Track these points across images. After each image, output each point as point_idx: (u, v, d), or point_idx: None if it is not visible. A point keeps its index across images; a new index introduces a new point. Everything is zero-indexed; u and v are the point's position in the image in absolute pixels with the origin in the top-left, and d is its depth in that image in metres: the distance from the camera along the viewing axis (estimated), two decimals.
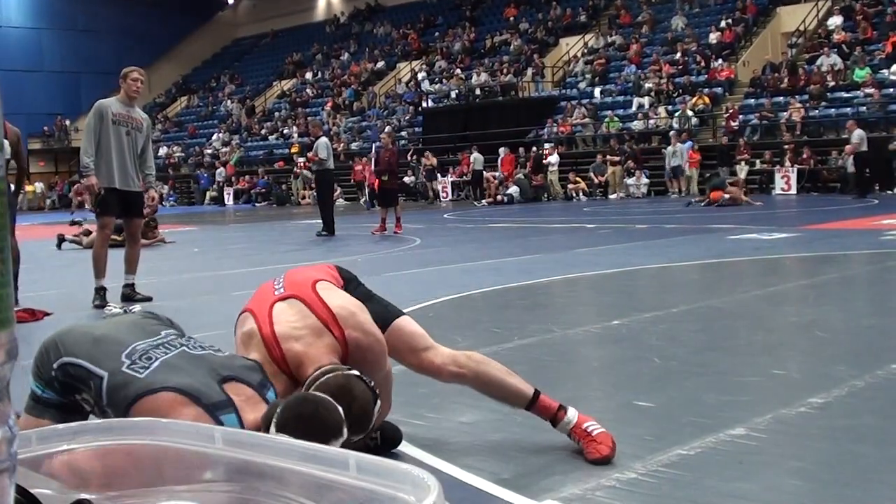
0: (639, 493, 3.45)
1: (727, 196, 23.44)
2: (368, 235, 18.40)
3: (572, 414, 4.04)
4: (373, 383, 3.40)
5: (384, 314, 4.09)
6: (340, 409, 3.17)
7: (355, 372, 3.46)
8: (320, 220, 18.80)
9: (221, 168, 43.81)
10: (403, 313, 4.23)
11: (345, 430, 3.13)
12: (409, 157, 37.21)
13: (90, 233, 16.61)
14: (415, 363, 4.10)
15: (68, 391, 3.41)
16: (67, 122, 51.23)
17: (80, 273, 10.64)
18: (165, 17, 56.30)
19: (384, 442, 4.08)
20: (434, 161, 35.33)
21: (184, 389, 3.19)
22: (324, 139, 18.83)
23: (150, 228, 18.26)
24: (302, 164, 39.79)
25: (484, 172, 33.44)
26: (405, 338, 4.10)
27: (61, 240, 17.99)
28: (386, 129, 28.25)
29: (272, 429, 3.06)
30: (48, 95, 52.06)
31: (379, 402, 3.37)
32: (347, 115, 43.98)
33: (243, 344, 3.76)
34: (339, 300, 3.86)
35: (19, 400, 5.08)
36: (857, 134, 25.02)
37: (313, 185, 22.83)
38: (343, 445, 3.03)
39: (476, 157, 33.50)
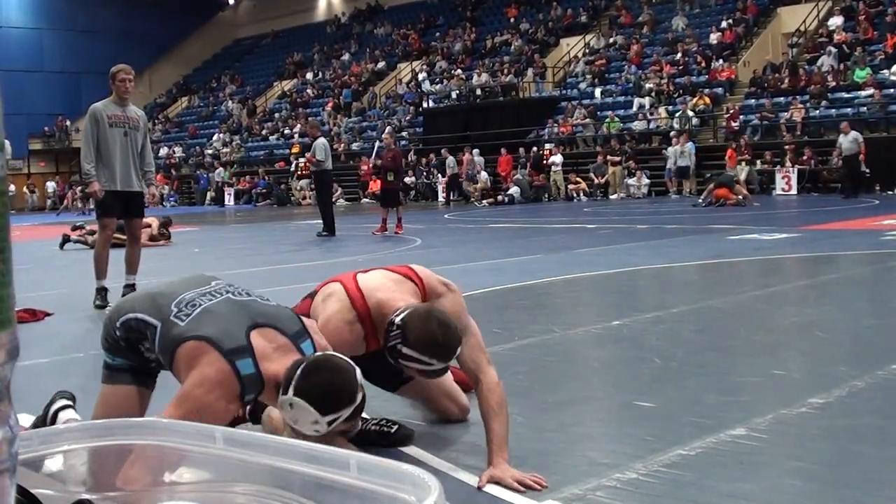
0: (639, 493, 3.45)
1: (741, 196, 23.46)
2: (369, 236, 18.40)
3: None
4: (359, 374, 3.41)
5: None
6: (358, 372, 3.32)
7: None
8: (321, 221, 18.78)
9: (220, 168, 43.76)
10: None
11: (359, 396, 3.29)
12: (409, 158, 37.24)
13: (95, 232, 16.60)
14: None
15: (133, 347, 3.68)
16: (68, 123, 51.21)
17: (81, 273, 10.64)
18: (166, 17, 56.27)
19: (396, 435, 4.12)
20: (471, 157, 34.89)
21: (208, 337, 3.39)
22: (321, 140, 18.82)
23: (164, 234, 18.27)
24: (304, 166, 39.82)
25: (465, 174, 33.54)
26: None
27: (65, 240, 17.97)
28: (387, 129, 28.21)
29: (291, 389, 3.22)
30: (48, 96, 52.04)
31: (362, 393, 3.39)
32: (348, 115, 43.95)
33: (322, 302, 4.05)
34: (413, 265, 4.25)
35: (21, 401, 5.09)
36: (851, 137, 25.09)
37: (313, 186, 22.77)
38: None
39: (450, 160, 33.53)
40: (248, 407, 4.14)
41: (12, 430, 0.71)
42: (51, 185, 49.30)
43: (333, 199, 34.89)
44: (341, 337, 3.82)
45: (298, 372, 3.24)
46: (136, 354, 3.72)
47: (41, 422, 4.27)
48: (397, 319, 3.74)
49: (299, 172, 39.05)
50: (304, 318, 3.70)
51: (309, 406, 3.20)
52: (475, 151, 34.64)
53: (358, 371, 3.33)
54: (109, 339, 3.77)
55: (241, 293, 3.68)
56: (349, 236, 18.47)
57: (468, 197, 33.48)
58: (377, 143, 35.42)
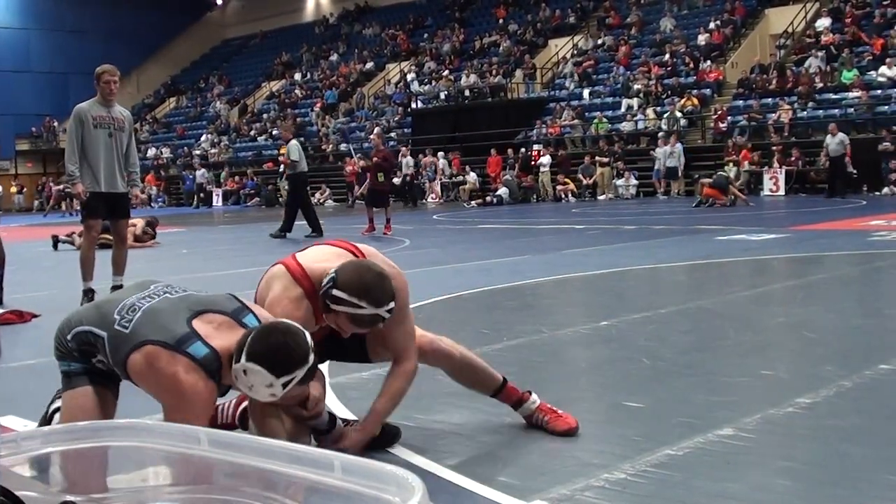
0: (627, 493, 3.45)
1: (732, 197, 23.48)
2: (358, 236, 18.38)
3: (536, 397, 4.34)
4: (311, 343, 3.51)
5: None
6: (308, 335, 3.44)
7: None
8: (305, 222, 18.78)
9: (203, 170, 43.60)
10: None
11: (311, 357, 3.39)
12: (398, 158, 37.20)
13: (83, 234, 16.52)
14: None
15: (87, 357, 3.72)
16: (55, 124, 51.06)
17: (68, 274, 10.60)
18: (154, 17, 56.12)
19: (382, 436, 4.11)
20: (433, 160, 34.98)
21: (155, 340, 3.43)
22: (294, 142, 18.91)
23: (149, 234, 18.22)
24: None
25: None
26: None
27: (56, 241, 17.92)
28: (375, 130, 28.08)
29: (243, 355, 3.30)
30: (36, 96, 51.90)
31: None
32: (336, 116, 43.92)
33: (266, 286, 4.02)
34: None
35: (8, 402, 5.07)
36: (838, 139, 25.25)
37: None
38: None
39: (407, 161, 33.43)
40: (238, 413, 4.18)
41: None
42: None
43: (321, 201, 35.02)
44: (291, 315, 3.78)
45: (249, 339, 3.34)
46: (89, 362, 3.75)
47: (43, 421, 4.26)
48: (331, 271, 3.82)
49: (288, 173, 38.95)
50: (241, 297, 3.76)
51: (262, 369, 3.29)
52: (440, 154, 34.77)
53: (307, 334, 3.45)
54: (62, 350, 3.81)
55: (178, 291, 3.72)
56: (335, 236, 18.38)
57: (415, 200, 33.46)
58: (352, 146, 35.51)
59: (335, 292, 3.74)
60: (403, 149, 34.66)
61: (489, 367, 4.40)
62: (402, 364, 4.10)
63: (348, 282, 3.74)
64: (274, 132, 44.45)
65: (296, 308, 3.88)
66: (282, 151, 39.45)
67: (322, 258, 4.03)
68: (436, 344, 4.26)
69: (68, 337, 3.72)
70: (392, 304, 3.79)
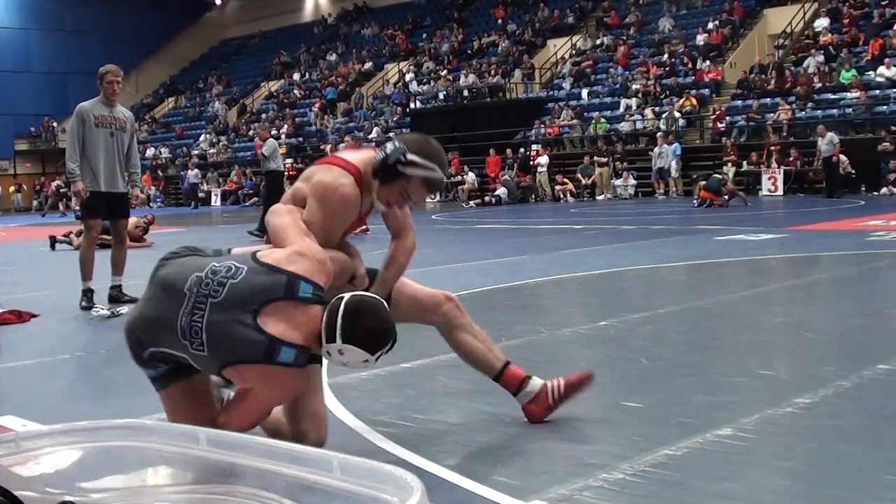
0: (626, 493, 3.45)
1: (726, 197, 23.48)
2: (357, 236, 18.32)
3: (534, 385, 4.42)
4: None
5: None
6: (386, 305, 3.77)
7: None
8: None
9: (196, 170, 43.54)
10: None
11: (395, 329, 3.67)
12: None
13: (81, 233, 16.52)
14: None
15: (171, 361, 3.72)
16: (55, 124, 51.04)
17: (67, 274, 10.60)
18: (153, 17, 56.08)
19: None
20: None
21: (235, 360, 3.53)
22: (271, 141, 19.07)
23: (142, 232, 18.21)
24: (290, 166, 39.75)
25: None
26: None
27: (54, 241, 17.93)
28: (347, 137, 27.52)
29: (338, 338, 3.54)
30: (35, 96, 51.87)
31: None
32: (335, 116, 43.94)
33: (307, 177, 4.12)
34: None
35: (7, 402, 5.07)
36: (827, 139, 25.33)
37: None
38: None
39: None
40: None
41: None
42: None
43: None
44: (348, 196, 4.00)
45: (340, 321, 3.53)
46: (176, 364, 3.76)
47: None
48: (388, 145, 4.01)
49: (287, 174, 39.04)
50: (275, 260, 3.72)
51: (360, 349, 3.55)
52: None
53: (385, 304, 3.74)
54: (145, 362, 3.76)
55: (217, 287, 3.63)
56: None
57: None
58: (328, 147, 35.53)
59: (411, 156, 3.90)
60: None
61: (492, 350, 4.48)
62: (404, 240, 4.36)
63: (421, 149, 3.94)
64: (273, 132, 44.48)
65: (351, 190, 4.01)
66: (281, 152, 39.71)
67: (356, 153, 4.17)
68: (447, 305, 4.43)
69: (145, 355, 3.70)
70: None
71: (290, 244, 3.81)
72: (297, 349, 3.53)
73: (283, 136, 42.49)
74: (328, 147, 39.08)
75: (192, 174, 43.11)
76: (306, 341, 3.58)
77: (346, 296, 3.64)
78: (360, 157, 4.10)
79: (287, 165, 39.57)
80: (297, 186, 4.12)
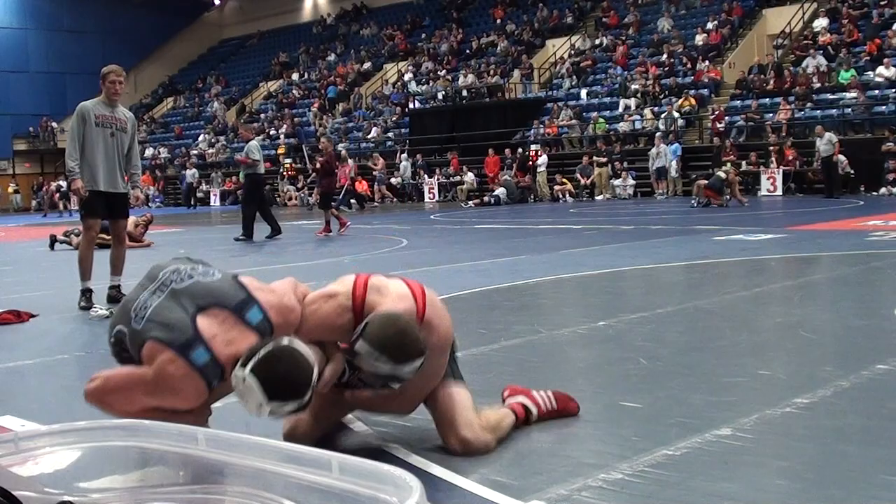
0: (625, 493, 3.45)
1: (727, 197, 23.48)
2: (357, 237, 18.36)
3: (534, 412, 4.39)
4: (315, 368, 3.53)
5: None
6: (315, 371, 3.48)
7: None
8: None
9: (194, 170, 43.49)
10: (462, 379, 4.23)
11: (308, 396, 3.44)
12: (397, 158, 37.27)
13: (81, 233, 16.55)
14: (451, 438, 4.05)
15: (121, 358, 3.78)
16: (54, 124, 51.05)
17: (67, 274, 10.61)
18: (151, 17, 56.15)
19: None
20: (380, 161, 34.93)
21: (158, 338, 3.54)
22: (254, 142, 19.02)
23: (142, 231, 18.24)
24: (289, 166, 39.77)
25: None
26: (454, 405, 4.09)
27: (53, 240, 17.95)
28: (322, 138, 27.06)
29: (248, 369, 3.33)
30: (34, 96, 51.88)
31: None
32: (333, 116, 43.96)
33: (333, 285, 3.97)
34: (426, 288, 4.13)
35: (6, 402, 5.07)
36: (826, 139, 25.34)
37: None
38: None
39: (404, 165, 32.92)
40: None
41: None
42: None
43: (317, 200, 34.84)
44: (333, 323, 3.86)
45: (261, 354, 3.37)
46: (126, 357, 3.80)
47: None
48: (369, 316, 3.78)
49: (286, 174, 39.09)
50: (248, 283, 3.79)
51: (260, 389, 3.34)
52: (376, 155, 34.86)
53: (315, 370, 3.48)
54: (112, 350, 3.84)
55: (184, 278, 3.74)
56: (333, 237, 18.43)
57: (363, 204, 33.25)
58: (305, 146, 35.55)
59: (359, 344, 3.67)
60: (343, 152, 34.31)
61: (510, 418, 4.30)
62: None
63: (374, 336, 3.65)
64: (271, 132, 44.44)
65: (338, 316, 3.88)
66: (280, 151, 39.69)
67: (384, 295, 3.93)
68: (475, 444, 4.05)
69: (111, 338, 3.79)
70: (417, 364, 3.69)
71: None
72: (212, 359, 3.53)
73: (281, 137, 42.47)
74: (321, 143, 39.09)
75: (189, 174, 43.06)
76: (225, 360, 3.54)
77: (287, 339, 3.51)
78: (376, 301, 3.89)
79: (286, 165, 39.70)
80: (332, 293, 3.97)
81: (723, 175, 24.62)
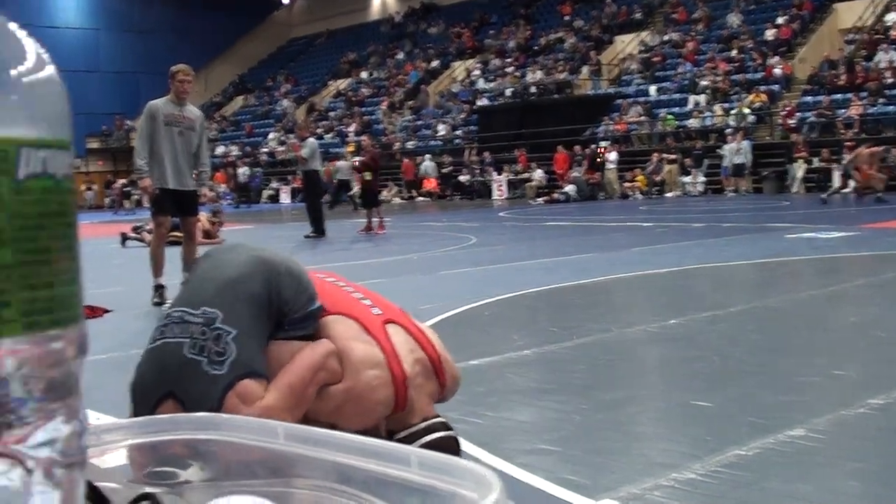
0: (696, 493, 3.43)
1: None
2: (425, 234, 18.43)
3: None
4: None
5: None
6: None
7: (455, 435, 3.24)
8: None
9: (245, 168, 43.67)
10: None
11: None
12: (465, 156, 37.31)
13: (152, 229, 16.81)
14: None
15: None
16: (128, 122, 51.74)
17: (140, 271, 10.75)
18: (221, 16, 56.69)
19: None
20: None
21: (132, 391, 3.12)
22: (311, 140, 19.01)
23: (216, 223, 18.48)
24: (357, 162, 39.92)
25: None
26: None
27: (125, 238, 18.23)
28: (364, 136, 26.84)
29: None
30: (106, 95, 52.57)
31: None
32: (403, 114, 44.13)
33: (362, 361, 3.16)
34: (436, 337, 3.44)
35: (91, 394, 5.15)
36: None
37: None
38: None
39: (342, 165, 32.11)
40: None
41: (82, 424, 0.72)
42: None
43: (388, 198, 35.09)
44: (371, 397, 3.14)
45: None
46: None
47: None
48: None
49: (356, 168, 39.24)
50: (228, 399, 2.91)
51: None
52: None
53: None
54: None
55: (179, 334, 3.07)
56: (400, 234, 18.51)
57: (356, 204, 33.11)
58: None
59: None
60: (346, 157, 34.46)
61: None
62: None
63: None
64: (340, 130, 44.64)
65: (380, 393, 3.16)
66: (349, 150, 39.88)
67: (414, 377, 3.22)
68: None
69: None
70: None
71: (275, 388, 3.00)
72: None
73: (350, 135, 42.64)
74: (396, 145, 39.25)
75: (241, 171, 43.12)
76: None
77: None
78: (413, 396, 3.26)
79: (356, 162, 39.82)
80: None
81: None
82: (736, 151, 29.58)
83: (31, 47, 0.69)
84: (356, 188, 27.67)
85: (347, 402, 3.10)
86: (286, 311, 3.11)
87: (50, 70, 0.70)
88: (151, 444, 1.18)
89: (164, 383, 3.02)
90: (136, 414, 2.93)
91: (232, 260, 3.22)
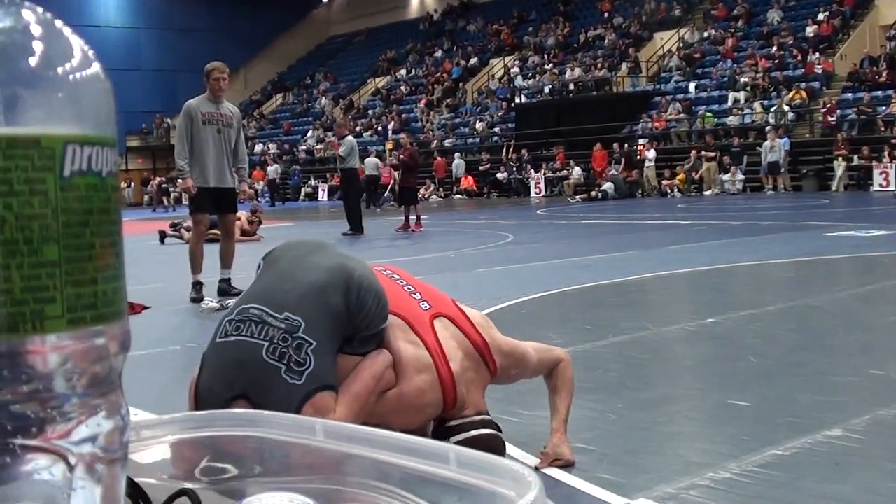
0: (733, 493, 3.42)
1: None
2: (463, 232, 18.45)
3: None
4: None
5: None
6: None
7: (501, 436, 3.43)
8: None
9: (276, 165, 43.54)
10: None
11: None
12: (504, 154, 37.30)
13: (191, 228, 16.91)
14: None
15: None
16: (168, 120, 52.04)
17: (178, 268, 10.82)
18: (260, 15, 56.92)
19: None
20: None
21: (197, 388, 3.10)
22: (349, 138, 18.92)
23: (255, 222, 18.57)
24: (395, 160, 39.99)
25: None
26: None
27: (163, 235, 18.37)
28: (403, 133, 26.96)
29: None
30: (146, 93, 52.90)
31: None
32: (440, 111, 44.17)
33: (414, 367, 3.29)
34: (484, 320, 3.62)
35: (129, 391, 5.20)
36: None
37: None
38: None
39: (368, 162, 32.15)
40: None
41: (123, 420, 0.73)
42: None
43: (426, 196, 35.12)
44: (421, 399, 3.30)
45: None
46: None
47: None
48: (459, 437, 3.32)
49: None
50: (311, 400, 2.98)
51: None
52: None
53: None
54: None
55: (258, 334, 3.05)
56: (438, 232, 18.53)
57: (381, 203, 33.04)
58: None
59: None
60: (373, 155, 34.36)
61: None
62: (561, 366, 3.87)
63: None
64: (379, 128, 44.72)
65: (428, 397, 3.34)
66: (388, 147, 39.95)
67: (463, 372, 3.42)
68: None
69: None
70: None
71: (343, 402, 3.05)
72: None
73: (389, 132, 42.68)
74: (434, 143, 39.25)
75: (272, 169, 42.82)
76: None
77: None
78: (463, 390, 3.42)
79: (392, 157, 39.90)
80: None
81: None
82: (770, 149, 29.40)
83: (78, 45, 0.71)
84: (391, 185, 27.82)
85: (399, 407, 3.22)
86: (360, 328, 3.16)
87: (96, 68, 0.72)
88: (198, 440, 1.20)
89: (238, 383, 3.02)
90: (202, 409, 2.90)
91: (318, 263, 3.23)
